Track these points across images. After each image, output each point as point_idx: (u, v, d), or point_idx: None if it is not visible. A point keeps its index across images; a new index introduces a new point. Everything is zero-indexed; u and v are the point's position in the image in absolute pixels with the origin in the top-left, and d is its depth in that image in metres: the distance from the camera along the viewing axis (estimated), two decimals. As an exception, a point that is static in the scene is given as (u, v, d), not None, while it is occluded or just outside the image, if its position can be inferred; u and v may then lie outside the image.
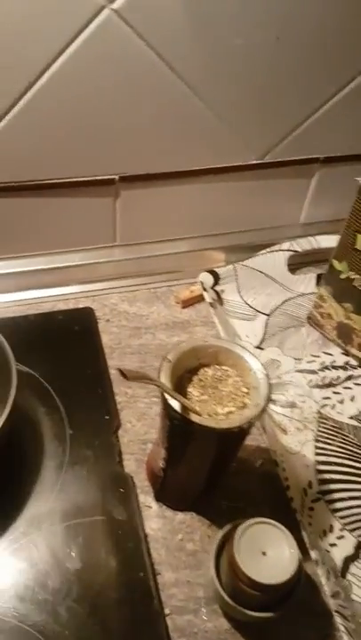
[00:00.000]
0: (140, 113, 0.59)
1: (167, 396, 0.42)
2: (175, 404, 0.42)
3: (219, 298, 0.71)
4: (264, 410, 0.43)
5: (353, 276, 0.60)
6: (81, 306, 0.69)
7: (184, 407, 0.42)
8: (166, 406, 0.42)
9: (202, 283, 0.71)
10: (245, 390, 0.46)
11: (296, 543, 0.43)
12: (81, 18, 0.51)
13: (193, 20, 0.53)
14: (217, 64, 0.57)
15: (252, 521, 0.44)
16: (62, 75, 0.54)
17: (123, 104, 0.58)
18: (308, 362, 0.66)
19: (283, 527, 0.44)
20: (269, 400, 0.43)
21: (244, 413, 0.43)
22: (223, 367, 0.48)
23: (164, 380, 0.44)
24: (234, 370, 0.47)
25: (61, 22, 0.51)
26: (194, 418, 0.41)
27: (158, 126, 0.61)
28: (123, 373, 0.33)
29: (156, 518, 0.52)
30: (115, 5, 0.51)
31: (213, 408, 0.45)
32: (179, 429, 0.43)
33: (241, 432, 0.42)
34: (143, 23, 0.52)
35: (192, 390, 0.46)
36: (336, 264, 0.61)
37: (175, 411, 0.42)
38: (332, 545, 0.51)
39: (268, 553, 0.43)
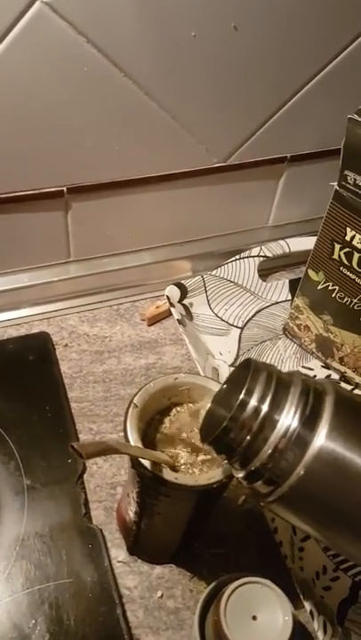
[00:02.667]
0: (87, 117, 0.52)
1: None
2: (145, 462, 0.36)
3: (188, 312, 0.66)
4: (247, 458, 0.37)
5: (331, 287, 0.55)
6: (35, 331, 0.63)
7: (155, 462, 0.36)
8: (135, 463, 0.37)
9: (168, 297, 0.65)
10: (224, 433, 0.41)
11: (291, 604, 0.38)
12: (8, 15, 0.44)
13: (138, 11, 0.47)
14: (168, 59, 0.51)
15: (240, 581, 0.39)
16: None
17: (66, 108, 0.51)
18: (287, 378, 0.61)
19: (276, 587, 0.39)
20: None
21: (224, 463, 0.38)
22: (197, 405, 0.42)
23: (132, 429, 0.38)
24: (209, 409, 0.42)
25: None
26: (167, 476, 0.36)
27: (107, 131, 0.54)
28: (77, 452, 0.27)
29: (131, 575, 0.46)
30: (47, -4, 0.44)
31: (189, 455, 0.40)
32: (150, 486, 0.37)
33: (222, 485, 0.37)
34: (81, 16, 0.46)
35: (163, 435, 0.41)
36: (312, 274, 0.56)
37: (145, 468, 0.36)
38: (327, 589, 0.46)
39: (260, 617, 0.38)
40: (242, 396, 0.31)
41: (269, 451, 0.30)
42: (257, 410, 0.30)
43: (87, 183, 0.57)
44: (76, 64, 0.49)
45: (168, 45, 0.50)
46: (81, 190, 0.57)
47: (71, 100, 0.51)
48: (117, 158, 0.57)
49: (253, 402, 0.31)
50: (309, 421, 0.30)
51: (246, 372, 0.32)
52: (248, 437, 0.30)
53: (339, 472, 0.29)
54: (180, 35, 0.50)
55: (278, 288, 0.70)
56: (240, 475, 0.32)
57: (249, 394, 0.31)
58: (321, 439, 0.29)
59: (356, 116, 0.44)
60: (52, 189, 0.56)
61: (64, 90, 0.50)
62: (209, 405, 0.36)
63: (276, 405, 0.30)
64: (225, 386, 0.36)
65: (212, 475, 0.36)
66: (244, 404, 0.31)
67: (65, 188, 0.57)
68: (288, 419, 0.30)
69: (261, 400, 0.31)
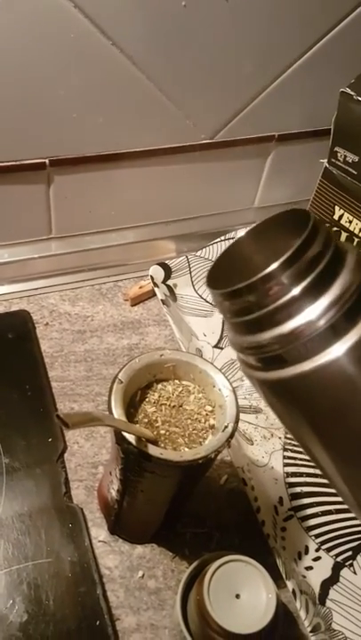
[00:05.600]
0: (71, 87, 0.51)
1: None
2: (130, 437, 0.35)
3: (172, 293, 0.65)
4: (233, 434, 0.37)
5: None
6: (14, 309, 0.61)
7: (140, 438, 0.35)
8: (119, 438, 0.36)
9: (152, 277, 0.64)
10: (209, 409, 0.40)
11: (274, 583, 0.38)
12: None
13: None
14: (157, 29, 0.49)
15: (224, 559, 0.39)
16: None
17: (50, 77, 0.49)
18: (271, 360, 0.60)
19: (259, 565, 0.38)
20: (238, 421, 0.38)
21: (209, 439, 0.37)
22: (183, 382, 0.42)
23: (116, 404, 0.37)
24: (195, 385, 0.41)
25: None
26: (152, 451, 0.35)
27: (92, 102, 0.52)
28: (63, 421, 0.26)
29: (111, 555, 0.45)
30: None
31: (174, 432, 0.39)
32: (134, 462, 0.37)
33: (207, 462, 0.36)
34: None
35: (148, 412, 0.40)
36: (299, 254, 0.55)
37: (130, 443, 0.35)
38: (309, 568, 0.46)
39: (243, 596, 0.38)
40: (283, 259, 0.25)
41: (289, 328, 0.25)
42: (293, 283, 0.25)
43: (70, 156, 0.56)
44: (62, 30, 0.47)
45: (157, 14, 0.48)
46: (64, 163, 0.56)
47: (56, 68, 0.49)
48: (102, 131, 0.55)
49: (293, 271, 0.25)
50: (344, 320, 0.25)
51: (298, 227, 0.26)
52: (270, 307, 0.25)
53: (349, 387, 0.25)
54: (170, 3, 0.48)
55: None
56: (245, 340, 0.27)
57: (289, 263, 0.25)
58: (343, 348, 0.25)
59: (348, 90, 0.43)
60: (34, 161, 0.55)
61: (49, 57, 0.48)
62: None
63: (317, 289, 0.25)
64: (260, 229, 0.29)
65: (198, 450, 0.36)
66: (281, 269, 0.25)
67: (47, 160, 0.55)
68: (320, 308, 0.25)
69: (303, 274, 0.25)
